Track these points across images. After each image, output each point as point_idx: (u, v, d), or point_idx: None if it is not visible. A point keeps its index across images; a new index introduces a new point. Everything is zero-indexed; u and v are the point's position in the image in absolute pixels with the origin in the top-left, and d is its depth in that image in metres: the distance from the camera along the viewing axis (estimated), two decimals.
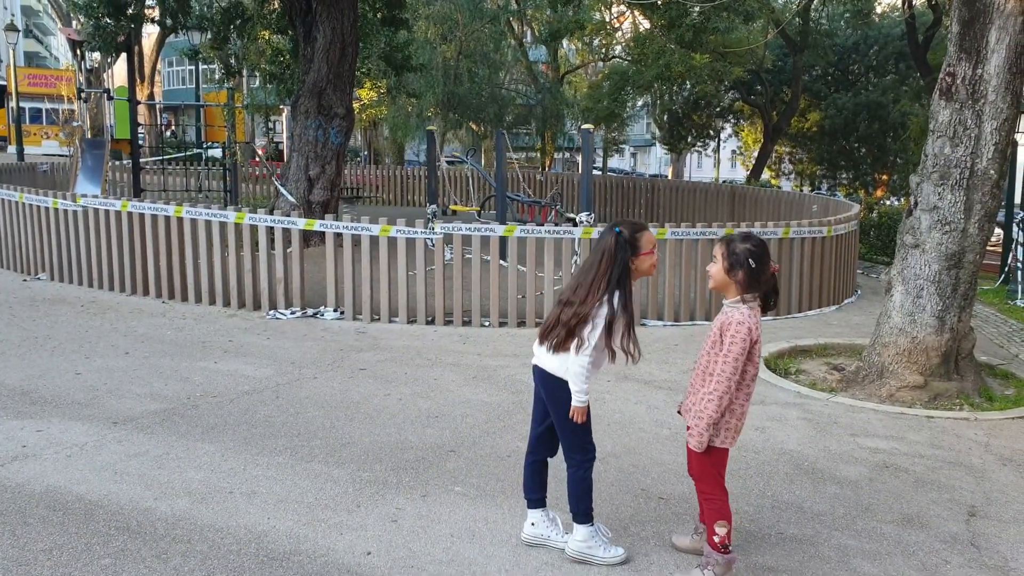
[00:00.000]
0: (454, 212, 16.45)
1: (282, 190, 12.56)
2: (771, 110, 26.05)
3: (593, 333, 3.31)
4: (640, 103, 33.67)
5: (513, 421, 5.33)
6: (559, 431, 3.52)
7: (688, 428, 3.40)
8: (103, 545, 3.56)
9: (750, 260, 3.23)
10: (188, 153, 21.97)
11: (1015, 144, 9.91)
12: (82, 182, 14.75)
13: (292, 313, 8.38)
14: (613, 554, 3.53)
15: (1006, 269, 11.58)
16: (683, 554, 3.64)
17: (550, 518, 3.69)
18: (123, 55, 15.79)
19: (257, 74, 20.67)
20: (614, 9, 27.80)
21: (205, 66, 30.56)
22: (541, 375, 3.51)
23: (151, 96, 31.43)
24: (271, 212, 8.85)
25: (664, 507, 4.12)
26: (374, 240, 8.22)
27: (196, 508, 3.94)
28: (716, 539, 3.33)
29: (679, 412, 3.59)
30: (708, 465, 3.37)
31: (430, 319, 8.25)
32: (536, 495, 3.67)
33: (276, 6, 15.39)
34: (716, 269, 3.32)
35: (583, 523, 3.53)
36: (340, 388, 5.97)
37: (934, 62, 19.97)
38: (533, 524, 3.68)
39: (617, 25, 29.69)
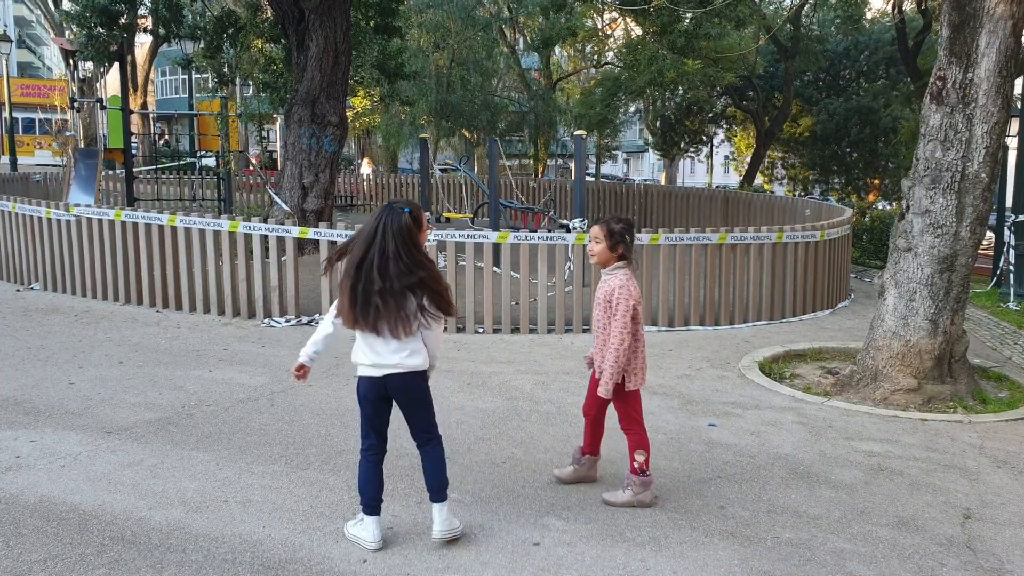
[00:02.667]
0: (448, 219, 16.45)
1: (276, 199, 12.56)
2: (763, 115, 26.12)
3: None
4: (632, 109, 33.75)
5: (507, 427, 5.33)
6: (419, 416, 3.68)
7: (596, 377, 4.12)
8: (97, 555, 3.55)
9: (627, 236, 3.99)
10: (182, 162, 21.95)
11: (1006, 147, 9.98)
12: (75, 192, 14.75)
13: (287, 321, 8.37)
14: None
15: (998, 272, 11.62)
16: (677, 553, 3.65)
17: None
18: (116, 64, 15.81)
19: (250, 83, 20.65)
20: (606, 16, 27.89)
21: (198, 75, 30.54)
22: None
23: (144, 105, 31.41)
24: (265, 220, 8.84)
25: (660, 513, 4.12)
26: None
27: (191, 517, 3.93)
28: (636, 465, 4.05)
29: (587, 364, 4.28)
30: (627, 407, 4.09)
31: None
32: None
33: (269, 15, 15.40)
34: (600, 248, 4.00)
35: (446, 499, 3.70)
36: (335, 395, 5.96)
37: (924, 67, 20.06)
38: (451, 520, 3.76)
39: (609, 31, 29.79)
